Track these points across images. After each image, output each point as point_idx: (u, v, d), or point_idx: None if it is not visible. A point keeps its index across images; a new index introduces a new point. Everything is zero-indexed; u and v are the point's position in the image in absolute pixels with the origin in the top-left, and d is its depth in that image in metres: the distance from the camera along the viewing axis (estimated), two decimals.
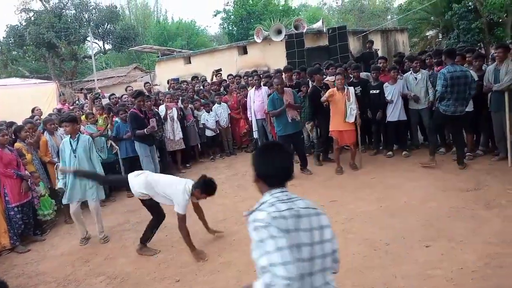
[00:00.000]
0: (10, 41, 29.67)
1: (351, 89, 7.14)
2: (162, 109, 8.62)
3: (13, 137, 6.69)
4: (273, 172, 1.94)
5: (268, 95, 8.65)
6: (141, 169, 7.18)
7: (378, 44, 16.40)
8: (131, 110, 7.50)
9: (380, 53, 14.60)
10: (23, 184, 5.90)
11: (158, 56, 19.35)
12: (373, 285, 3.63)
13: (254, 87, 9.08)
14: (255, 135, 9.17)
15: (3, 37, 30.28)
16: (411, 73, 7.69)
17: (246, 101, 9.34)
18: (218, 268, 4.40)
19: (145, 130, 7.19)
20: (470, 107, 6.66)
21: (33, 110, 9.36)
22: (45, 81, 19.95)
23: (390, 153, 7.76)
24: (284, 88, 7.38)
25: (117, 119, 8.02)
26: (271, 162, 1.95)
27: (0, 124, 7.23)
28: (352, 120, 7.01)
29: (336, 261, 1.94)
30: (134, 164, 7.43)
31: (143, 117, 7.36)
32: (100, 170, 5.72)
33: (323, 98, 7.15)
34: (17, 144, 6.49)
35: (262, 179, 1.98)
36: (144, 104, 7.50)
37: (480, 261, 3.79)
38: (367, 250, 4.32)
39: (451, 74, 6.30)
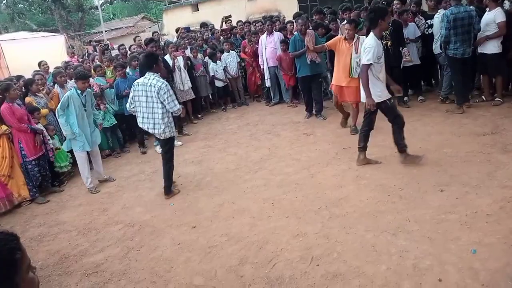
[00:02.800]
0: None
1: (363, 38, 6.04)
2: (168, 59, 8.44)
3: (23, 90, 6.70)
4: None
5: (281, 41, 8.43)
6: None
7: None
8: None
9: None
10: (37, 137, 5.97)
11: (165, 5, 18.80)
12: (386, 229, 3.66)
13: (266, 32, 8.78)
14: (267, 83, 9.00)
15: None
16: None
17: (258, 48, 9.07)
18: (233, 215, 4.47)
19: None
20: (497, 49, 6.34)
21: (39, 65, 9.27)
22: (53, 34, 19.70)
23: (406, 98, 7.56)
24: (307, 30, 7.07)
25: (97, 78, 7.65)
26: None
27: (10, 79, 7.23)
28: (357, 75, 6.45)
29: None
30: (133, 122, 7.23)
31: None
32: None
33: (318, 46, 6.70)
34: (28, 98, 6.50)
35: None
36: (157, 51, 7.35)
37: (495, 205, 3.76)
38: (381, 195, 4.32)
39: (454, 16, 6.06)
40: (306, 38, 6.95)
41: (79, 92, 5.70)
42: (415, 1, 7.72)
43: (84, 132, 5.77)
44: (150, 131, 5.12)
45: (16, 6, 30.98)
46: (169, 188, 5.26)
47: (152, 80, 4.89)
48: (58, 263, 4.15)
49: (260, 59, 8.95)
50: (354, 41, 6.06)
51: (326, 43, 6.54)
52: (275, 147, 6.43)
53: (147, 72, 4.96)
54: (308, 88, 7.47)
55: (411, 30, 7.26)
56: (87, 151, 5.92)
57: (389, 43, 6.94)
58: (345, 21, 6.57)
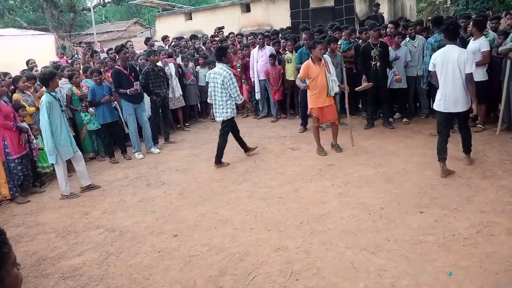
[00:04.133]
0: None
1: (327, 58, 6.33)
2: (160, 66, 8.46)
3: (10, 87, 6.63)
4: None
5: (270, 55, 8.55)
6: (120, 134, 7.46)
7: (384, 8, 15.93)
8: (115, 66, 7.37)
9: (386, 17, 14.23)
10: (21, 136, 5.90)
11: (159, 11, 18.86)
12: (366, 247, 3.72)
13: (258, 46, 8.90)
14: (257, 96, 9.08)
15: None
16: (408, 40, 7.58)
17: (248, 61, 9.17)
18: (215, 225, 4.48)
19: (127, 91, 6.98)
20: (482, 76, 6.54)
21: (27, 63, 9.18)
22: (43, 32, 19.53)
23: (391, 119, 7.72)
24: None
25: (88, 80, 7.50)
26: None
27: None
28: (335, 92, 6.38)
29: None
30: (113, 129, 7.24)
31: (127, 74, 7.11)
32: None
33: (298, 82, 6.39)
34: (16, 95, 6.44)
35: None
36: (128, 60, 7.34)
37: (472, 229, 3.86)
38: (362, 213, 4.39)
39: (438, 43, 6.27)
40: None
41: (54, 94, 5.58)
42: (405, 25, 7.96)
43: (68, 137, 5.68)
44: (214, 114, 6.49)
45: (7, 1, 30.62)
46: (219, 159, 6.34)
47: (219, 70, 6.13)
48: (35, 264, 4.08)
49: (251, 72, 9.05)
50: (323, 61, 6.16)
51: (299, 75, 6.34)
52: (260, 160, 6.48)
53: (217, 63, 6.25)
54: (306, 101, 7.43)
55: (401, 53, 7.43)
56: None
57: (377, 64, 7.12)
58: (317, 43, 6.21)
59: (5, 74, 7.35)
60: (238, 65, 9.22)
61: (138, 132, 7.42)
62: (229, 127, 6.42)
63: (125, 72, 7.09)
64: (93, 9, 26.66)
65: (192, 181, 5.91)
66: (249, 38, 9.77)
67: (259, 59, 8.83)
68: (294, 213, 4.56)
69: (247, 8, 15.33)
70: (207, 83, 9.22)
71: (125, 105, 7.23)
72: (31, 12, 31.58)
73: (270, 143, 7.29)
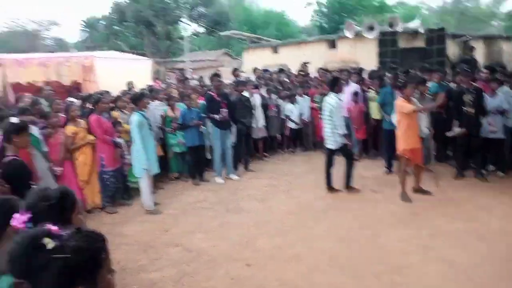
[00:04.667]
0: (114, 17, 32.04)
1: (415, 100, 6.19)
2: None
3: (111, 105, 7.22)
4: None
5: (353, 93, 8.46)
6: (203, 158, 7.77)
7: (479, 52, 15.15)
8: (208, 92, 7.77)
9: (481, 62, 13.49)
10: (117, 150, 6.39)
11: (247, 44, 19.70)
12: None
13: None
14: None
15: (109, 12, 32.80)
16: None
17: None
18: (289, 260, 4.42)
19: (216, 116, 7.33)
20: None
21: (128, 84, 10.05)
22: (142, 57, 21.25)
23: (484, 171, 7.13)
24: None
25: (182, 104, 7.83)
26: None
27: (101, 93, 7.85)
28: (425, 134, 6.35)
29: None
30: (198, 152, 7.60)
31: (219, 101, 7.43)
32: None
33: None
34: (115, 113, 7.01)
35: None
36: (221, 87, 7.66)
37: None
38: (448, 271, 4.06)
39: None
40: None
41: (143, 113, 6.09)
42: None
43: (153, 154, 6.16)
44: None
45: (113, 27, 34.07)
46: (349, 182, 6.49)
47: (329, 98, 6.40)
48: (116, 273, 4.31)
49: None
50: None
51: (407, 109, 6.00)
52: (340, 199, 6.33)
53: (330, 92, 6.52)
54: (391, 142, 6.93)
55: (497, 101, 6.95)
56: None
57: (470, 110, 6.71)
58: (408, 82, 6.15)
59: (107, 92, 8.09)
60: (318, 100, 9.26)
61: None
62: (349, 152, 6.58)
63: (217, 99, 7.45)
64: (187, 38, 28.63)
65: (270, 211, 5.94)
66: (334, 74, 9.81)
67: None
68: (373, 260, 4.35)
69: (332, 45, 15.43)
70: (287, 116, 9.46)
71: (213, 130, 7.57)
72: (132, 38, 34.72)
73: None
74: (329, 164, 6.61)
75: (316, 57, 14.79)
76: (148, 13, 28.35)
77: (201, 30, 33.76)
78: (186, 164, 7.85)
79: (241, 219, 5.67)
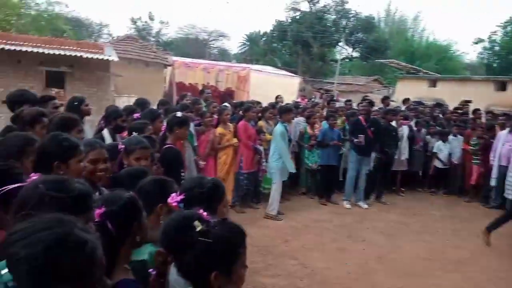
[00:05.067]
0: (274, 35, 34.10)
1: None
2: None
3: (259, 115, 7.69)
4: None
5: None
6: (334, 179, 7.70)
7: None
8: (356, 115, 7.68)
9: None
10: (256, 156, 6.78)
11: (402, 73, 18.93)
12: None
13: (508, 129, 7.86)
14: (493, 182, 7.96)
15: (270, 30, 35.08)
16: None
17: (492, 142, 8.17)
18: None
19: (354, 140, 7.22)
20: None
21: (276, 98, 10.56)
22: (291, 74, 22.15)
23: None
24: None
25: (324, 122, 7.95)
26: None
27: (252, 102, 8.40)
28: None
29: None
30: (330, 172, 7.55)
31: (365, 126, 7.30)
32: None
33: None
34: (261, 122, 7.43)
35: None
36: (370, 112, 7.55)
37: None
38: None
39: None
40: None
41: (285, 125, 6.51)
42: None
43: (287, 163, 6.47)
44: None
45: (271, 44, 36.30)
46: (492, 228, 5.80)
47: None
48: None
49: (491, 155, 8.02)
50: None
51: None
52: (480, 252, 5.58)
53: None
54: None
55: None
56: None
57: None
58: None
59: (258, 103, 8.63)
60: (474, 143, 8.35)
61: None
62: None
63: (364, 124, 7.36)
64: (340, 61, 28.84)
65: (395, 249, 5.56)
66: (500, 118, 8.76)
67: (506, 143, 7.75)
68: None
69: (502, 87, 13.84)
70: (434, 153, 8.74)
71: (350, 153, 7.50)
72: (287, 55, 36.45)
73: (495, 239, 6.20)
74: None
75: (478, 97, 13.44)
76: (307, 34, 29.44)
77: (355, 54, 33.64)
78: (316, 181, 7.87)
79: (361, 248, 5.45)
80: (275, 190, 6.51)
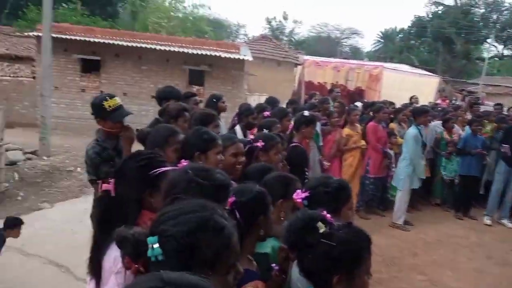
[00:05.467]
0: (412, 31, 32.01)
1: None
2: None
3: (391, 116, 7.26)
4: None
5: None
6: (474, 192, 6.94)
7: None
8: (508, 121, 6.78)
9: None
10: (385, 160, 6.44)
11: None
12: None
13: None
14: None
15: (408, 26, 33.02)
16: None
17: None
18: None
19: (502, 148, 6.42)
20: None
21: (411, 98, 9.89)
22: (429, 73, 20.51)
23: None
24: None
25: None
26: None
27: (384, 103, 7.99)
28: None
29: None
30: (471, 184, 6.76)
31: None
32: None
33: None
34: (392, 125, 7.04)
35: None
36: None
37: None
38: None
39: None
40: None
41: (420, 128, 5.96)
42: None
43: (419, 171, 6.03)
44: None
45: (409, 41, 34.14)
46: None
47: None
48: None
49: None
50: None
51: None
52: None
53: None
54: None
55: None
56: None
57: None
58: None
59: (391, 103, 8.19)
60: None
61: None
62: None
63: None
64: (488, 60, 25.73)
65: None
66: None
67: None
68: None
69: None
70: None
71: (499, 163, 6.68)
72: (426, 53, 33.90)
73: None
74: None
75: None
76: (450, 30, 26.94)
77: (507, 52, 29.63)
78: (453, 193, 7.15)
79: (502, 273, 4.78)
80: (401, 198, 6.08)
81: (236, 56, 11.84)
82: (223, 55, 11.63)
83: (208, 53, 11.57)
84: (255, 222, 1.75)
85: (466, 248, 5.49)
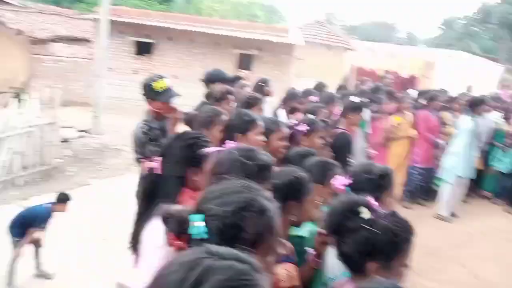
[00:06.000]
0: (476, 17, 30.06)
1: None
2: None
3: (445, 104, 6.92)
4: None
5: None
6: None
7: None
8: None
9: None
10: (434, 151, 6.21)
11: None
12: None
13: None
14: None
15: (474, 12, 31.02)
16: None
17: None
18: None
19: None
20: None
21: (467, 88, 9.40)
22: (491, 62, 19.25)
23: None
24: None
25: None
26: None
27: (438, 91, 7.60)
28: None
29: None
30: None
31: None
32: None
33: None
34: (445, 114, 6.71)
35: None
36: None
37: None
38: None
39: None
40: None
41: (476, 120, 5.70)
42: None
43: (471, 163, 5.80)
44: None
45: (471, 28, 32.06)
46: None
47: None
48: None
49: None
50: None
51: None
52: None
53: None
54: None
55: None
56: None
57: None
58: None
59: (445, 92, 7.76)
60: None
61: None
62: None
63: None
64: None
65: None
66: None
67: None
68: None
69: None
70: None
71: None
72: (489, 41, 31.75)
73: None
74: None
75: None
76: None
77: None
78: (506, 187, 6.76)
79: None
80: (447, 190, 5.83)
81: (285, 40, 11.73)
82: (272, 39, 11.55)
83: (257, 37, 11.55)
84: (284, 206, 1.76)
85: (511, 243, 5.24)
